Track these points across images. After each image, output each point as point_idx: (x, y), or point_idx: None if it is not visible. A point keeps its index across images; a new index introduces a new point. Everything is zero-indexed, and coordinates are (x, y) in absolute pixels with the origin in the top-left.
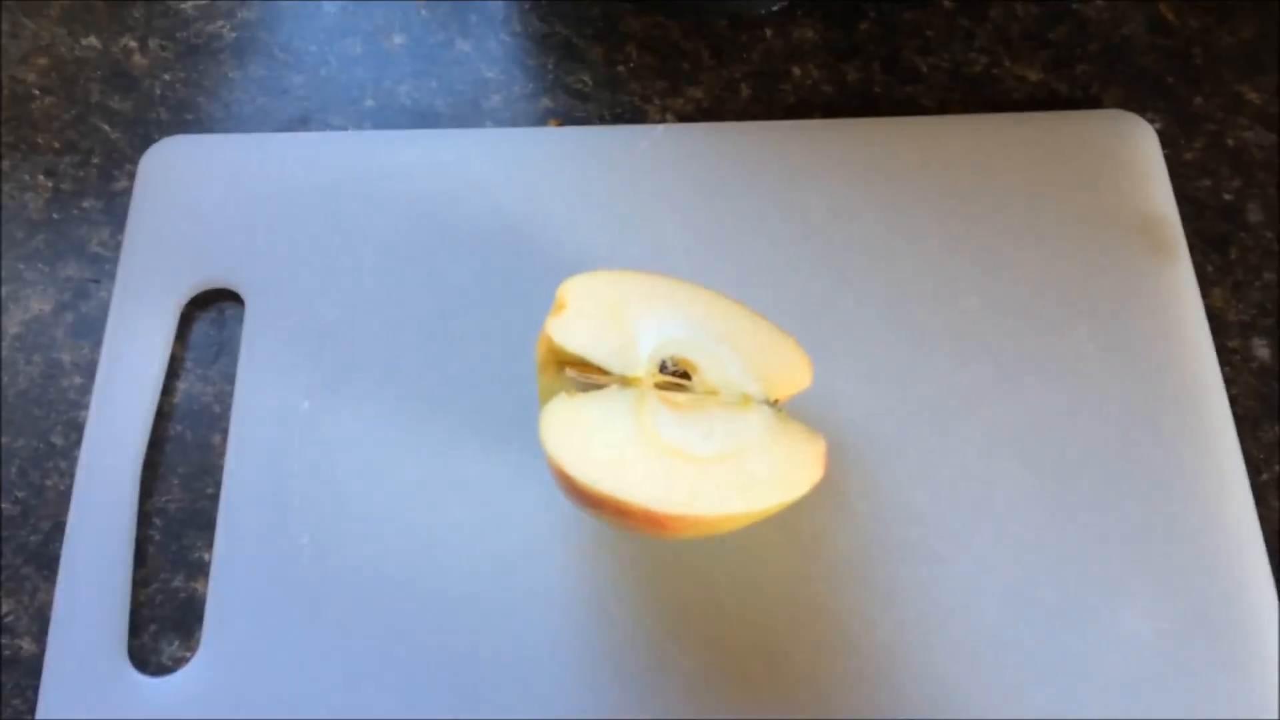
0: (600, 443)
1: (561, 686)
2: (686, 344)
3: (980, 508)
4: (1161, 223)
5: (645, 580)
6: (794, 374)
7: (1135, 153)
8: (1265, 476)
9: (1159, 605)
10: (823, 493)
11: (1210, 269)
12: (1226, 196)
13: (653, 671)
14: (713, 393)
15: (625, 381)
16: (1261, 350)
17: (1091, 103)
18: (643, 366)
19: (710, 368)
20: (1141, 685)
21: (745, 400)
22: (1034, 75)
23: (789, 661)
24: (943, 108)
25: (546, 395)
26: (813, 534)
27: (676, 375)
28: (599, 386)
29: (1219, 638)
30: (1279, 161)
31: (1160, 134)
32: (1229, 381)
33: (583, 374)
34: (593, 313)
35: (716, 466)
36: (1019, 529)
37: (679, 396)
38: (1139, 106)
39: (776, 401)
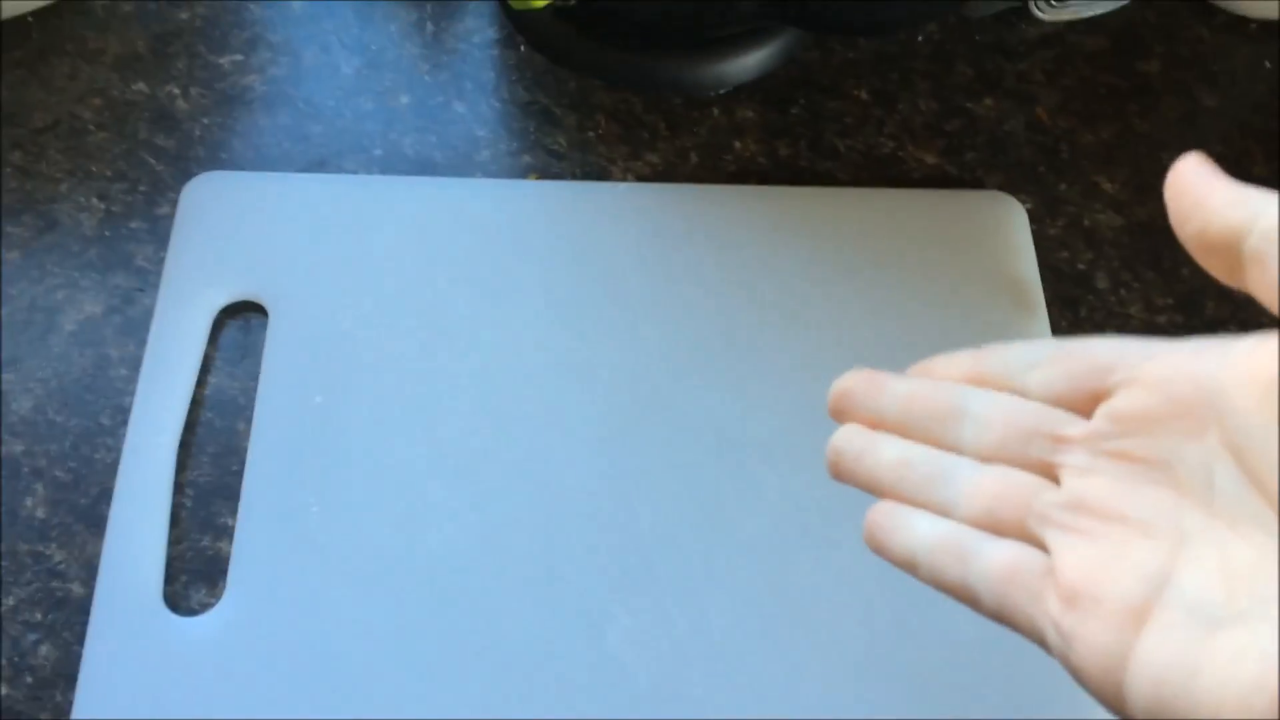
0: None
1: (521, 626)
2: None
3: (867, 501)
4: (1026, 285)
5: (598, 560)
6: None
7: (1008, 227)
8: None
9: None
10: (743, 487)
11: (1064, 324)
12: (1080, 266)
13: (600, 624)
14: None
15: None
16: None
17: (976, 184)
18: None
19: None
20: (994, 642)
21: None
22: (931, 159)
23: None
24: (856, 181)
25: None
26: (733, 519)
27: None
28: None
29: None
30: (1125, 240)
31: (1030, 213)
32: None
33: None
34: None
35: None
36: None
37: None
38: (1014, 189)
39: None
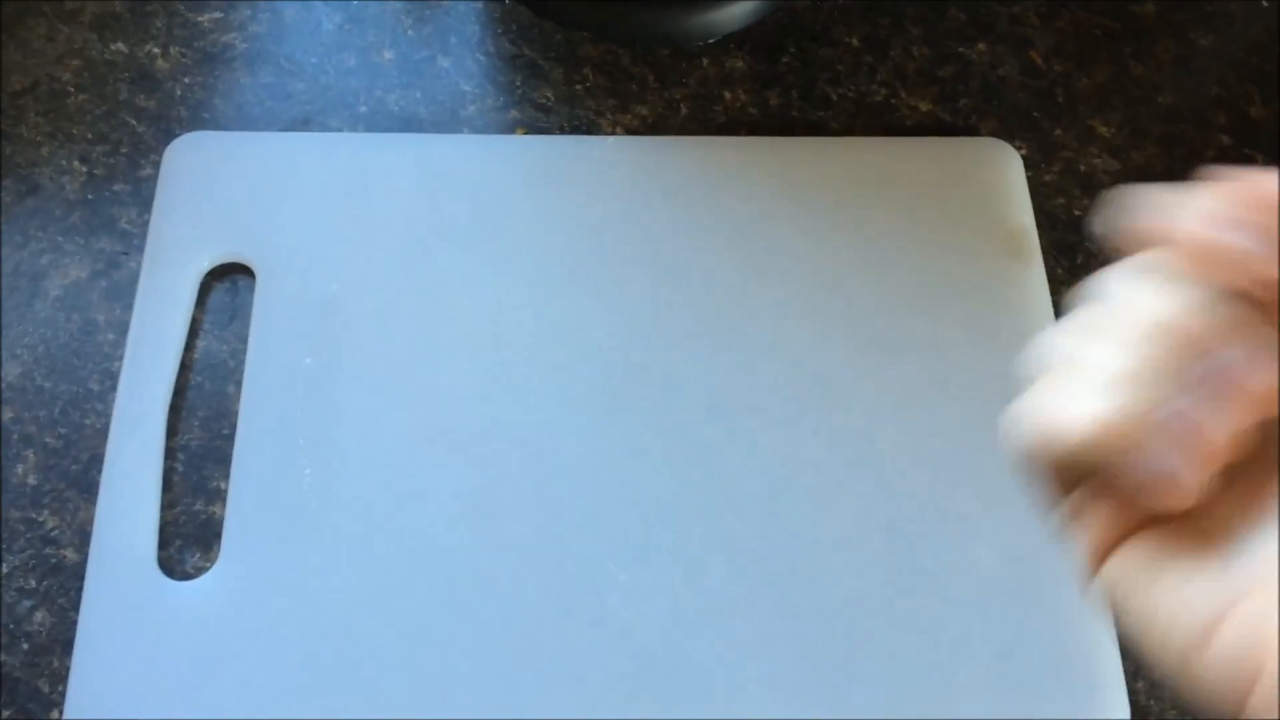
0: None
1: (518, 589)
2: None
3: (864, 458)
4: (1022, 232)
5: (596, 521)
6: None
7: (1004, 174)
8: None
9: (1002, 537)
10: (737, 445)
11: (1060, 272)
12: (1076, 213)
13: (600, 585)
14: None
15: None
16: None
17: (970, 131)
18: None
19: None
20: (986, 600)
21: None
22: (925, 106)
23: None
24: (849, 131)
25: None
26: (728, 477)
27: None
28: None
29: (1048, 563)
30: (1122, 184)
31: (1025, 159)
32: None
33: None
34: None
35: None
36: (894, 476)
37: None
38: (1009, 135)
39: None
